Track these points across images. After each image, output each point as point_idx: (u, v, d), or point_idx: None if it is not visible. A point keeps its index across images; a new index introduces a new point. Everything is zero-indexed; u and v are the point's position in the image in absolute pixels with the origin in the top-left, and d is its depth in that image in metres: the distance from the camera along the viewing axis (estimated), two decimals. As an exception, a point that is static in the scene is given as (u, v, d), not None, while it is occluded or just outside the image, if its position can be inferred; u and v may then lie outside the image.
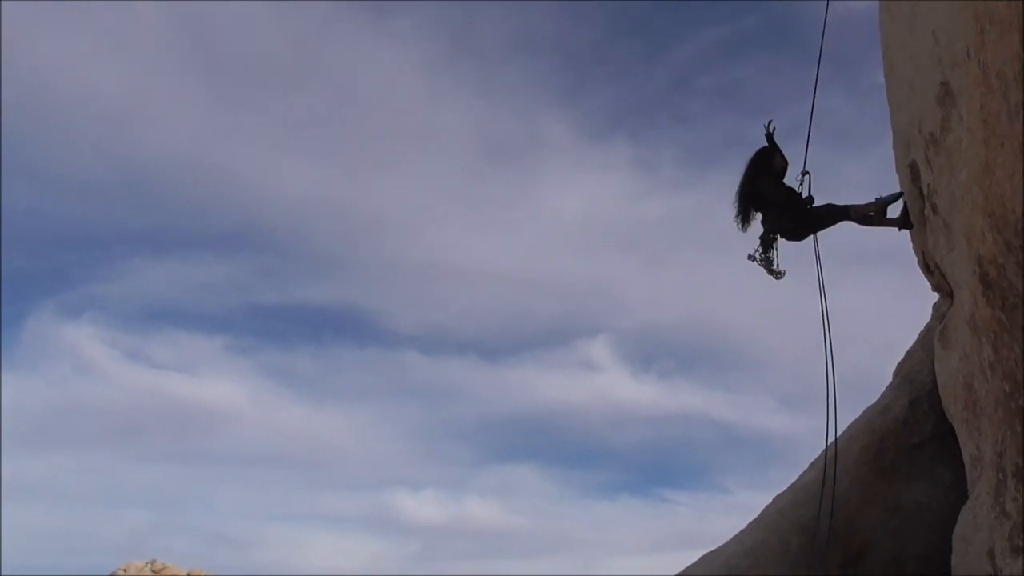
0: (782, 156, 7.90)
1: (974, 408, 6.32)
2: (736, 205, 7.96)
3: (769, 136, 7.85)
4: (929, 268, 7.40)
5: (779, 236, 7.86)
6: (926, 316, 9.04)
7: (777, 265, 7.88)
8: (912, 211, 7.36)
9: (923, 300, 8.65)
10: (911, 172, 7.21)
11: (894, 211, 7.63)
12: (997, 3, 4.39)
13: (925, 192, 6.82)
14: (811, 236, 7.85)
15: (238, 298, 68.25)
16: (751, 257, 7.91)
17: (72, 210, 65.42)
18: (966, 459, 6.73)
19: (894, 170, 7.90)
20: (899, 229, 7.59)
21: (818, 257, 7.87)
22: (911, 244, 7.76)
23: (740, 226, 7.97)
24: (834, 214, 7.64)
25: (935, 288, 7.75)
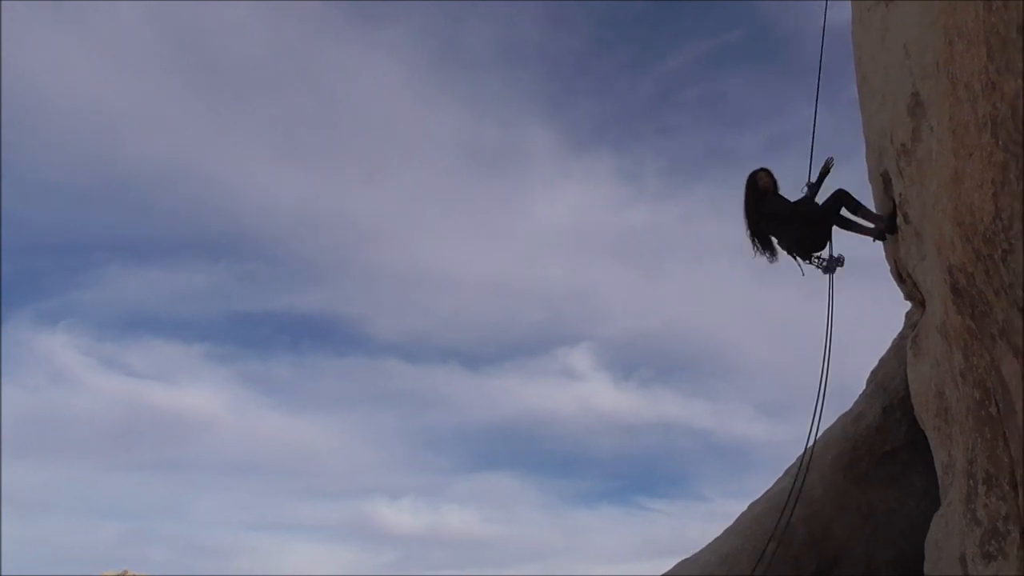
0: (765, 172, 7.80)
1: (946, 415, 6.39)
2: (752, 239, 7.80)
3: (825, 169, 7.73)
4: (901, 277, 7.48)
5: (801, 250, 7.61)
6: (899, 325, 9.16)
7: (827, 257, 7.62)
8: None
9: (896, 309, 8.77)
10: (883, 182, 7.30)
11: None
12: (965, 16, 4.46)
13: (897, 202, 6.90)
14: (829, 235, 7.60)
15: (217, 306, 67.31)
16: (819, 266, 7.67)
17: (49, 216, 64.35)
18: (938, 466, 6.80)
19: (867, 180, 8.01)
20: (873, 240, 7.54)
21: (832, 251, 7.65)
22: (884, 253, 7.84)
23: (768, 259, 7.80)
24: (844, 198, 7.42)
25: (907, 297, 7.84)
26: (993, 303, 4.68)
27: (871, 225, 7.39)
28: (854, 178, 8.11)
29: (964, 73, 4.50)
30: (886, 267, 7.89)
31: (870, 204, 7.76)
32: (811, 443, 7.68)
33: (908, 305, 8.29)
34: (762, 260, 7.83)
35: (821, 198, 7.73)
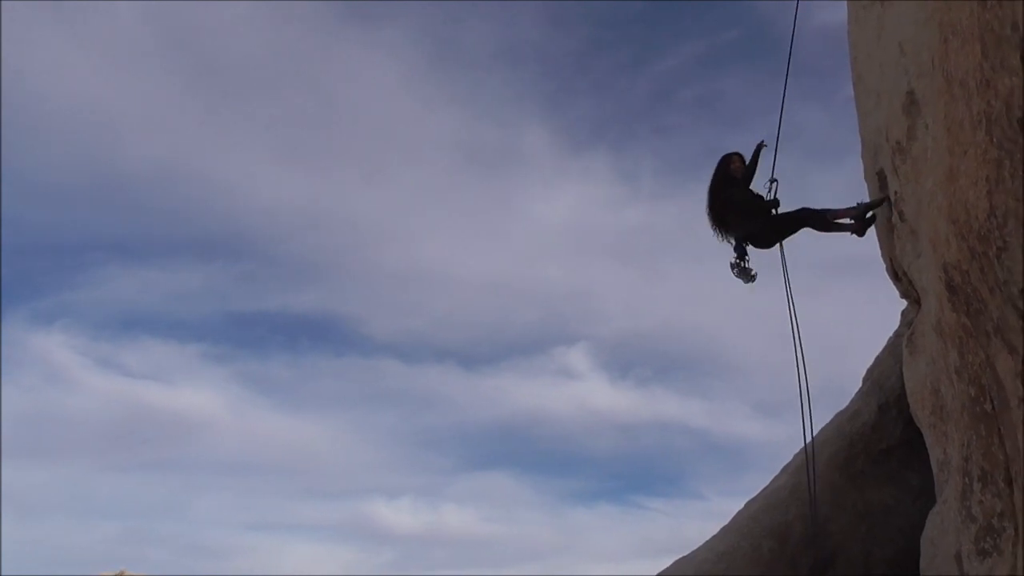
0: (739, 157, 8.01)
1: (941, 413, 6.41)
2: (710, 217, 8.04)
3: (756, 151, 7.89)
4: (897, 275, 7.49)
5: (748, 243, 7.88)
6: (895, 323, 9.18)
7: (752, 270, 7.91)
8: (879, 219, 7.47)
9: (892, 307, 8.79)
10: (879, 180, 7.31)
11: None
12: (960, 14, 4.48)
13: (892, 199, 6.92)
14: (779, 243, 7.87)
15: (214, 306, 67.25)
16: (732, 266, 7.93)
17: (44, 215, 64.20)
18: (933, 463, 6.81)
19: (863, 178, 8.02)
20: (856, 235, 7.69)
21: (784, 265, 7.94)
22: (879, 251, 7.86)
23: (720, 237, 8.03)
24: (807, 217, 7.65)
25: (903, 295, 7.86)
26: (988, 300, 4.69)
27: (849, 221, 7.54)
28: (850, 176, 8.15)
29: (959, 71, 4.52)
30: (882, 265, 7.91)
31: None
32: (808, 439, 7.72)
33: (904, 303, 8.30)
34: (718, 239, 8.06)
35: (758, 183, 7.99)
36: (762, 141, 7.94)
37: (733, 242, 7.97)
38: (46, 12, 54.70)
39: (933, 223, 5.44)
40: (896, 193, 6.75)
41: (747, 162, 7.96)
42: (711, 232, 8.07)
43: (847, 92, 8.28)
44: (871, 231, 7.67)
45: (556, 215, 64.14)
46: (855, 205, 7.55)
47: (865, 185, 7.94)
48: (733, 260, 7.91)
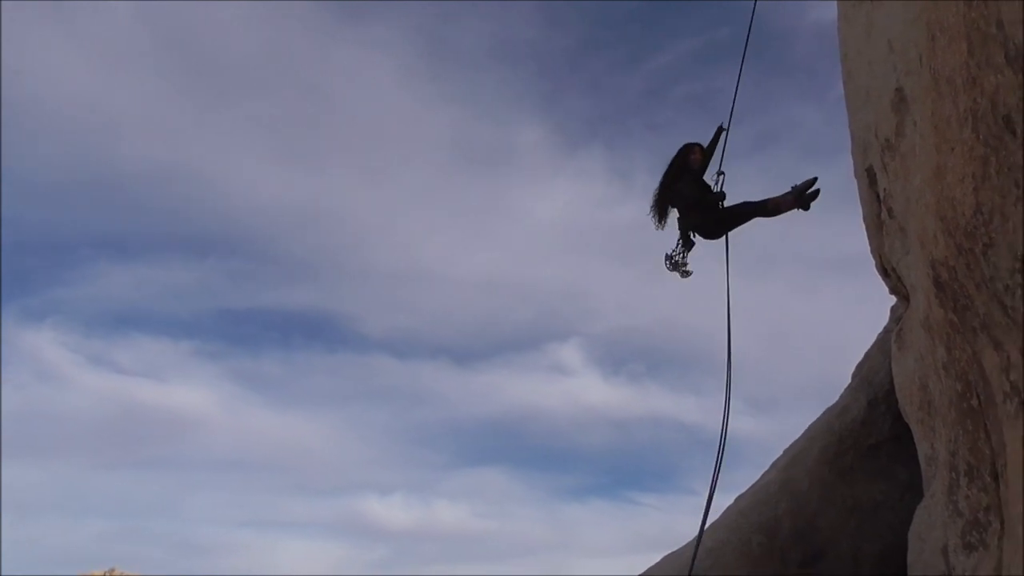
0: (700, 148, 8.12)
1: (929, 408, 6.45)
2: (653, 202, 8.20)
3: (717, 134, 8.05)
4: (886, 271, 7.53)
5: (696, 234, 8.06)
6: (884, 319, 9.23)
7: (687, 265, 8.09)
8: (868, 215, 7.51)
9: (881, 303, 8.85)
10: (868, 177, 7.35)
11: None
12: (947, 12, 4.50)
13: (881, 196, 6.95)
14: (726, 235, 8.04)
15: (207, 302, 67.50)
16: (668, 257, 8.07)
17: (36, 213, 64.24)
18: (921, 458, 6.86)
19: (853, 175, 8.06)
20: (802, 209, 7.85)
21: (727, 257, 8.09)
22: (869, 248, 7.90)
23: (656, 224, 8.21)
24: (752, 210, 7.85)
25: (892, 291, 7.90)
26: (974, 296, 4.72)
27: (790, 200, 7.74)
28: (842, 173, 8.22)
29: (946, 68, 4.54)
30: (871, 262, 7.95)
31: (856, 199, 7.82)
32: (724, 430, 7.73)
33: (893, 299, 8.35)
34: (655, 226, 8.27)
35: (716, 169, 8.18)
36: (722, 124, 8.13)
37: (679, 231, 8.14)
38: (46, 12, 54.54)
39: (921, 220, 5.47)
40: (885, 190, 6.79)
41: (707, 147, 8.11)
42: (649, 216, 8.23)
43: (839, 90, 8.33)
44: (861, 226, 7.74)
45: (550, 213, 64.34)
46: (789, 190, 7.79)
47: (856, 182, 7.97)
48: (670, 252, 8.07)
